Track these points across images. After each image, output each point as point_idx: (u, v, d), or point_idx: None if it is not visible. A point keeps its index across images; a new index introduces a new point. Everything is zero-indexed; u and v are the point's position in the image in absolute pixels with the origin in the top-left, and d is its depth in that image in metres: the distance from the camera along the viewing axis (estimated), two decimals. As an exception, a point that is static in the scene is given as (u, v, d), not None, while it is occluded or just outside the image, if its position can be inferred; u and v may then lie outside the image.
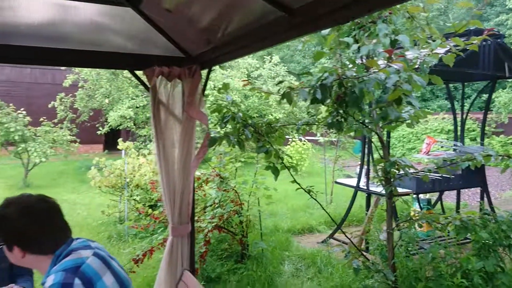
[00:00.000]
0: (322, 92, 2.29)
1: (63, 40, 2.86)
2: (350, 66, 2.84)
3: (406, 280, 3.21)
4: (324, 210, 3.79)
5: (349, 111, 2.62)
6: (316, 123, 3.07)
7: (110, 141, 18.92)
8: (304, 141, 11.43)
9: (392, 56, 2.36)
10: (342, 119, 2.62)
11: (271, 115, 13.00)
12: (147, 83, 2.98)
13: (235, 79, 13.04)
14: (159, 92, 2.92)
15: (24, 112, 11.01)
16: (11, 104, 11.15)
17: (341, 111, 2.58)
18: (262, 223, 5.11)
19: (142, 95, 13.62)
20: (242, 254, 4.69)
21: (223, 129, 2.89)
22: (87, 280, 1.39)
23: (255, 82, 15.33)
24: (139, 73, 3.16)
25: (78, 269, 1.40)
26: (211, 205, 4.61)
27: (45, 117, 11.76)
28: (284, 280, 4.32)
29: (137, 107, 13.41)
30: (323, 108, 3.76)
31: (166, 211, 3.02)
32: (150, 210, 4.74)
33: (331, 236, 5.60)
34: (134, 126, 13.57)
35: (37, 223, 1.47)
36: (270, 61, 16.10)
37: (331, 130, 7.78)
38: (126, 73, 13.39)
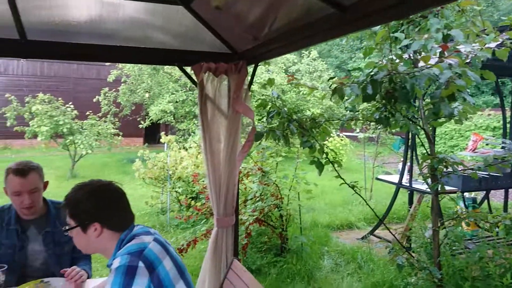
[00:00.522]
0: (373, 87, 2.28)
1: (114, 37, 2.99)
2: (397, 61, 2.81)
3: (452, 279, 3.15)
4: (369, 206, 3.78)
5: (397, 106, 2.60)
6: (362, 119, 3.06)
7: (150, 135, 19.50)
8: (342, 136, 11.31)
9: (445, 51, 2.32)
10: (390, 115, 2.61)
11: (309, 110, 12.94)
12: (195, 79, 3.07)
13: (273, 74, 13.06)
14: (206, 87, 3.00)
15: (72, 106, 11.54)
16: (59, 99, 11.70)
17: (388, 107, 2.57)
18: (301, 218, 5.14)
19: (181, 90, 13.92)
20: (282, 248, 4.75)
21: (269, 124, 2.94)
22: (149, 263, 1.48)
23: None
24: (184, 69, 3.28)
25: (142, 253, 1.50)
26: (251, 199, 4.69)
27: (90, 111, 12.27)
28: (324, 274, 4.34)
29: (176, 102, 13.74)
30: (363, 103, 3.74)
31: (212, 203, 3.12)
32: (192, 202, 4.87)
33: (372, 232, 5.54)
34: (173, 120, 13.91)
35: (112, 202, 1.62)
36: (308, 56, 15.99)
37: (372, 126, 7.69)
38: (166, 68, 13.74)
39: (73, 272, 2.14)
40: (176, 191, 6.35)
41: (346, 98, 2.75)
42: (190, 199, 5.13)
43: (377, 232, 5.55)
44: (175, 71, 13.50)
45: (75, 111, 11.49)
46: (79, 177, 10.62)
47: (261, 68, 13.47)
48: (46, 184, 2.37)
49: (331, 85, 2.54)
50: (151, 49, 3.05)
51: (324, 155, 3.01)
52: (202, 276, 3.15)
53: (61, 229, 2.35)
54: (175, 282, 1.56)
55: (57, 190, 2.25)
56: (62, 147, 11.30)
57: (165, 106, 13.29)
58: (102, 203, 1.60)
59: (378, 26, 2.87)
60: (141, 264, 1.46)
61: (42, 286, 2.07)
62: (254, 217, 4.41)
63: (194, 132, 12.37)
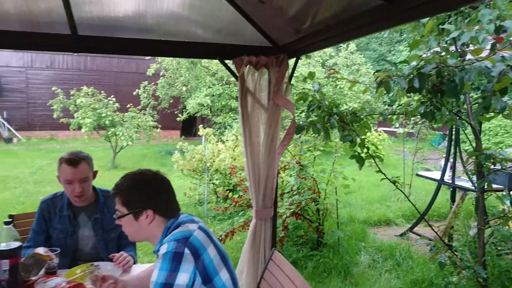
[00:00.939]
0: (420, 80, 2.23)
1: (156, 32, 3.07)
2: (443, 54, 2.73)
3: (497, 280, 3.04)
4: (410, 202, 3.69)
5: (443, 100, 2.52)
6: (405, 113, 2.99)
7: (187, 128, 19.87)
8: (380, 132, 11.08)
9: (498, 43, 2.22)
10: (435, 109, 2.54)
11: (346, 104, 12.75)
12: (236, 72, 3.11)
13: (310, 68, 12.94)
14: (246, 80, 3.03)
15: (113, 99, 11.93)
16: (102, 92, 12.13)
17: (434, 101, 2.50)
18: (338, 213, 5.11)
19: (218, 84, 14.08)
20: (318, 242, 4.74)
21: (309, 118, 2.93)
22: (195, 250, 1.53)
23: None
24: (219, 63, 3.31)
25: (187, 240, 1.55)
26: (288, 192, 4.70)
27: (131, 104, 12.64)
28: (361, 270, 4.30)
29: (213, 95, 13.91)
30: (404, 98, 3.65)
31: (251, 195, 3.16)
32: (230, 194, 4.95)
33: (411, 229, 5.42)
34: (210, 114, 14.10)
35: (159, 190, 1.68)
36: (346, 49, 15.71)
37: (412, 121, 7.47)
38: (204, 62, 13.92)
39: (121, 257, 2.24)
40: (213, 183, 6.46)
41: (385, 93, 2.70)
42: (228, 191, 5.21)
43: (416, 229, 5.43)
44: (212, 65, 13.65)
45: (117, 104, 11.88)
46: (120, 168, 11.00)
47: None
48: (95, 173, 2.48)
49: (376, 78, 2.49)
50: (193, 43, 3.12)
51: (365, 150, 2.97)
52: (240, 267, 3.21)
53: (109, 216, 2.46)
54: (218, 269, 1.60)
55: (99, 180, 2.36)
56: (104, 138, 11.73)
57: (202, 100, 13.49)
58: (154, 191, 1.67)
59: (426, 18, 2.78)
60: (187, 250, 1.51)
61: (92, 269, 2.17)
62: (291, 210, 4.42)
63: (230, 126, 12.49)
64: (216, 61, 14.33)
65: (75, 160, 2.32)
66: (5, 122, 17.38)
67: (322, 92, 3.03)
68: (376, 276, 4.16)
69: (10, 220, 1.85)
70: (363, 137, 2.99)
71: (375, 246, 4.96)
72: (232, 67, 3.21)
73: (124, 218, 1.68)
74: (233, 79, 13.55)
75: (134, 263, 2.36)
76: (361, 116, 3.02)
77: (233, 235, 4.33)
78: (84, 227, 2.45)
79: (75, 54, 17.04)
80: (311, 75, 3.09)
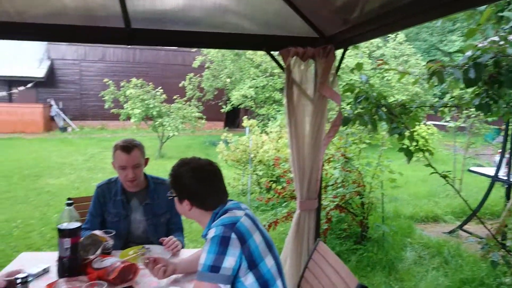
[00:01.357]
0: (476, 71, 2.13)
1: (203, 24, 3.13)
2: (501, 43, 2.58)
3: (556, 283, 2.88)
4: (462, 198, 3.55)
5: (500, 92, 2.40)
6: (458, 105, 2.87)
7: (230, 119, 20.12)
8: (429, 125, 10.67)
9: None
10: (492, 101, 2.42)
11: (393, 97, 12.36)
12: (282, 64, 3.11)
13: (356, 59, 12.64)
14: (293, 72, 3.03)
15: (161, 90, 12.30)
16: (150, 83, 12.52)
17: (490, 92, 2.38)
18: (383, 207, 5.00)
19: (262, 76, 14.10)
20: (362, 236, 4.68)
21: (356, 110, 2.89)
22: (241, 235, 1.58)
23: (376, 63, 14.66)
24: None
25: (234, 225, 1.60)
26: (332, 184, 4.66)
27: (178, 95, 12.96)
28: (406, 266, 4.20)
29: (257, 87, 13.96)
30: (457, 90, 3.49)
31: (295, 186, 3.17)
32: (273, 185, 4.98)
33: (461, 226, 5.22)
34: (254, 105, 14.17)
35: (205, 183, 1.72)
36: (394, 40, 15.18)
37: (464, 114, 7.13)
38: (248, 54, 13.98)
39: (170, 241, 2.34)
40: (257, 174, 6.53)
41: (436, 84, 2.60)
42: (271, 182, 5.25)
43: (466, 227, 5.22)
44: (256, 56, 13.69)
45: (164, 95, 12.23)
46: (166, 157, 11.36)
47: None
48: (146, 161, 2.59)
49: (428, 68, 2.41)
50: (240, 34, 3.15)
51: (414, 143, 2.88)
52: (283, 257, 3.24)
53: (158, 202, 2.58)
54: (264, 255, 1.64)
55: (147, 168, 2.47)
56: (152, 128, 12.13)
57: (246, 91, 13.59)
58: (199, 184, 1.72)
59: (484, 6, 2.65)
60: (233, 235, 1.56)
61: (143, 251, 2.29)
62: (335, 203, 4.39)
63: (273, 117, 12.49)
64: (261, 53, 14.39)
65: (129, 147, 2.43)
66: (60, 112, 18.41)
67: (370, 83, 2.97)
68: (422, 273, 4.05)
69: (71, 202, 1.98)
70: (412, 129, 2.91)
71: (421, 242, 4.82)
72: (279, 58, 3.22)
73: (173, 199, 1.79)
74: (277, 70, 13.59)
75: (182, 247, 2.46)
76: (411, 108, 2.94)
77: (276, 226, 4.37)
78: (136, 212, 2.57)
79: (128, 46, 17.71)
80: (359, 66, 3.04)
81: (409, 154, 2.84)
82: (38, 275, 1.96)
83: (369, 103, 2.86)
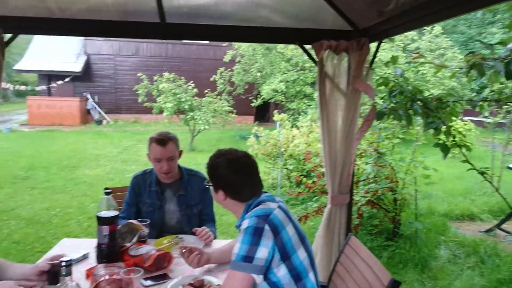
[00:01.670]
0: (519, 63, 2.05)
1: (237, 18, 3.15)
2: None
3: None
4: (501, 195, 3.43)
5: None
6: (499, 99, 2.77)
7: (260, 113, 20.15)
8: (466, 121, 10.31)
9: None
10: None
11: (428, 91, 12.01)
12: (315, 57, 3.09)
13: (390, 52, 12.35)
14: (326, 65, 3.00)
15: (193, 84, 12.46)
16: (182, 77, 12.71)
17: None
18: (417, 204, 4.90)
19: (293, 70, 14.01)
20: (394, 232, 4.60)
21: (390, 104, 2.84)
22: (274, 227, 1.59)
23: (411, 56, 14.28)
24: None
25: (268, 217, 1.61)
26: (364, 180, 4.60)
27: (209, 89, 13.10)
28: (440, 264, 4.11)
29: (287, 81, 13.89)
30: (497, 84, 3.35)
31: (326, 180, 3.16)
32: (304, 179, 4.97)
33: (499, 225, 5.04)
34: (284, 100, 14.13)
35: (241, 174, 1.74)
36: (430, 32, 14.70)
37: (503, 109, 6.84)
38: (279, 48, 13.93)
39: (203, 231, 2.39)
40: (287, 168, 6.53)
41: (475, 77, 2.52)
42: (302, 177, 5.24)
43: (504, 226, 5.03)
44: (287, 50, 13.62)
45: (195, 89, 12.39)
46: (197, 151, 11.53)
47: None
48: (180, 153, 2.65)
49: (468, 61, 2.33)
50: (272, 28, 3.16)
51: (451, 138, 2.81)
52: (313, 251, 3.22)
53: (192, 193, 2.63)
54: (296, 247, 1.65)
55: (179, 160, 2.54)
56: (183, 122, 12.33)
57: (277, 86, 13.55)
58: (234, 175, 1.74)
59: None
60: (267, 227, 1.58)
61: (177, 241, 2.35)
62: (367, 198, 4.34)
63: (304, 112, 12.41)
64: (292, 46, 14.29)
65: (164, 140, 2.49)
66: (96, 106, 18.99)
67: (405, 77, 2.91)
68: (457, 272, 3.95)
69: (109, 191, 2.05)
70: (449, 124, 2.83)
71: (456, 240, 4.69)
72: (311, 52, 3.20)
73: (210, 188, 1.83)
74: (308, 65, 13.48)
75: (214, 238, 2.50)
76: (448, 103, 2.86)
77: (306, 220, 4.36)
78: (170, 202, 2.63)
79: (163, 41, 18.04)
80: (394, 59, 2.98)
81: (445, 149, 2.77)
82: (78, 260, 2.06)
83: (404, 97, 2.81)
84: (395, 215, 4.56)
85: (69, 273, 1.43)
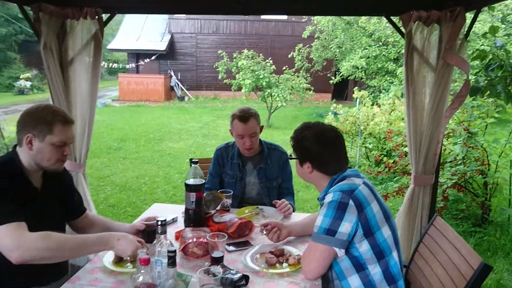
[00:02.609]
0: None
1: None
2: None
3: None
4: None
5: None
6: None
7: (338, 91, 19.65)
8: None
9: None
10: None
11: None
12: (402, 29, 2.93)
13: (486, 24, 11.23)
14: (414, 38, 2.84)
15: (271, 61, 12.50)
16: (260, 54, 12.80)
17: None
18: (511, 189, 4.50)
19: (374, 45, 13.38)
20: (482, 218, 4.30)
21: (487, 79, 2.61)
22: (359, 203, 1.58)
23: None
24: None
25: (353, 192, 1.60)
26: (451, 161, 4.33)
27: (286, 66, 13.05)
28: (535, 256, 3.78)
29: (368, 57, 13.32)
30: None
31: (410, 159, 3.03)
32: (384, 158, 4.81)
33: None
34: (364, 77, 13.61)
35: (327, 147, 1.74)
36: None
37: None
38: (361, 22, 13.36)
39: (283, 204, 2.45)
40: (366, 147, 6.35)
41: None
42: (382, 156, 5.06)
43: None
44: (369, 25, 13.01)
45: (273, 66, 12.43)
46: (274, 127, 11.64)
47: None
48: (261, 128, 2.70)
49: None
50: (358, 0, 3.03)
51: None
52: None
53: (271, 167, 2.69)
54: (380, 225, 1.62)
55: None
56: (261, 99, 12.49)
57: (357, 62, 13.06)
58: (321, 148, 1.74)
59: None
60: (351, 202, 1.57)
61: (257, 211, 2.44)
62: (453, 181, 4.09)
63: (385, 89, 11.86)
64: (374, 21, 13.58)
65: (246, 117, 2.54)
66: (179, 83, 19.93)
67: (506, 49, 2.65)
68: (555, 265, 3.61)
69: (197, 160, 2.18)
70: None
71: (557, 231, 4.26)
72: (399, 24, 3.04)
73: (294, 160, 1.84)
74: (392, 39, 12.78)
75: (293, 211, 2.55)
76: (557, 78, 2.56)
77: (385, 200, 4.24)
78: (250, 175, 2.72)
79: (242, 18, 18.24)
80: (493, 30, 2.72)
81: (550, 129, 2.50)
82: (168, 223, 2.23)
83: (503, 71, 2.56)
84: (484, 200, 4.24)
85: (164, 232, 1.56)
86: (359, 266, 1.62)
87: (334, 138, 1.76)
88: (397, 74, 12.10)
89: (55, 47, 2.95)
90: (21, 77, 20.81)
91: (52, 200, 1.86)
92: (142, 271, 1.33)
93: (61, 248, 1.56)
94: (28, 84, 20.49)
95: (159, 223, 1.54)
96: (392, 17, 3.11)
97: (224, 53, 13.22)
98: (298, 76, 12.96)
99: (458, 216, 4.48)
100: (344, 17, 13.34)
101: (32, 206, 1.71)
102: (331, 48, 14.85)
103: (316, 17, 14.47)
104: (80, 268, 1.75)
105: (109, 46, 20.18)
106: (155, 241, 1.56)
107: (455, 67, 2.79)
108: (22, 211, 1.59)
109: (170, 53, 20.19)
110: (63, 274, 1.89)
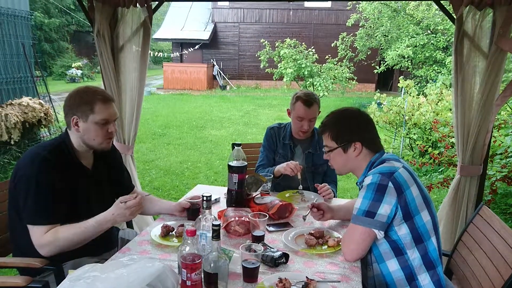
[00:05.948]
0: None
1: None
2: None
3: None
4: None
5: None
6: None
7: (382, 81, 19.14)
8: None
9: None
10: None
11: None
12: (453, 14, 2.83)
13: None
14: (465, 23, 2.74)
15: (313, 50, 12.38)
16: (303, 43, 12.69)
17: None
18: None
19: (422, 33, 12.87)
20: (534, 214, 4.10)
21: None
22: (398, 186, 1.57)
23: None
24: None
25: (392, 175, 1.60)
26: (501, 153, 4.15)
27: (329, 55, 12.86)
28: None
29: (415, 46, 12.83)
30: None
31: (457, 149, 2.95)
32: (430, 149, 4.67)
33: None
34: (411, 66, 13.15)
35: (370, 122, 1.81)
36: None
37: None
38: (408, 9, 12.89)
39: (325, 187, 2.46)
40: (410, 137, 6.19)
41: None
42: (427, 146, 4.91)
43: None
44: (417, 12, 12.52)
45: (316, 55, 12.29)
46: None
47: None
48: (318, 114, 2.70)
49: None
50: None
51: None
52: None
53: (319, 153, 2.67)
54: (420, 209, 1.61)
55: None
56: (303, 88, 12.41)
57: (403, 51, 12.62)
58: (361, 123, 1.78)
59: None
60: (390, 184, 1.57)
61: (298, 194, 2.48)
62: (503, 174, 3.92)
63: (432, 79, 11.40)
64: (422, 7, 13.08)
65: (310, 102, 2.56)
66: (221, 72, 20.17)
67: None
68: None
69: (240, 143, 2.24)
70: None
71: None
72: (449, 8, 2.93)
73: (333, 152, 1.81)
74: (441, 27, 12.23)
75: (334, 196, 2.56)
76: None
77: (429, 191, 4.14)
78: (298, 158, 2.74)
79: (285, 7, 18.09)
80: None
81: None
82: (212, 203, 2.31)
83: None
84: (537, 195, 4.04)
85: (209, 207, 1.63)
86: (398, 251, 1.62)
87: (366, 115, 1.84)
88: (446, 63, 11.60)
89: (107, 35, 3.10)
90: (72, 66, 21.84)
91: (103, 179, 1.98)
92: (189, 241, 1.41)
93: (71, 240, 1.72)
94: (79, 72, 21.47)
95: (205, 198, 1.61)
96: (442, 1, 3.00)
97: (266, 42, 13.20)
98: (341, 66, 12.75)
99: (507, 211, 4.30)
100: (391, 4, 12.92)
101: (82, 185, 1.84)
102: (376, 36, 14.44)
103: (361, 5, 14.11)
104: (129, 241, 1.86)
105: (155, 36, 20.72)
106: (200, 216, 1.64)
107: (509, 54, 2.67)
108: (69, 196, 1.76)
109: (213, 42, 20.44)
110: (113, 246, 2.02)
